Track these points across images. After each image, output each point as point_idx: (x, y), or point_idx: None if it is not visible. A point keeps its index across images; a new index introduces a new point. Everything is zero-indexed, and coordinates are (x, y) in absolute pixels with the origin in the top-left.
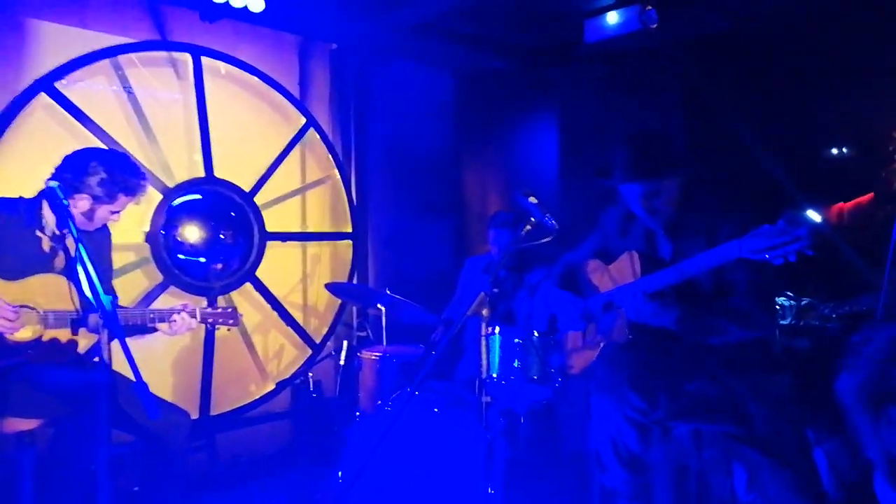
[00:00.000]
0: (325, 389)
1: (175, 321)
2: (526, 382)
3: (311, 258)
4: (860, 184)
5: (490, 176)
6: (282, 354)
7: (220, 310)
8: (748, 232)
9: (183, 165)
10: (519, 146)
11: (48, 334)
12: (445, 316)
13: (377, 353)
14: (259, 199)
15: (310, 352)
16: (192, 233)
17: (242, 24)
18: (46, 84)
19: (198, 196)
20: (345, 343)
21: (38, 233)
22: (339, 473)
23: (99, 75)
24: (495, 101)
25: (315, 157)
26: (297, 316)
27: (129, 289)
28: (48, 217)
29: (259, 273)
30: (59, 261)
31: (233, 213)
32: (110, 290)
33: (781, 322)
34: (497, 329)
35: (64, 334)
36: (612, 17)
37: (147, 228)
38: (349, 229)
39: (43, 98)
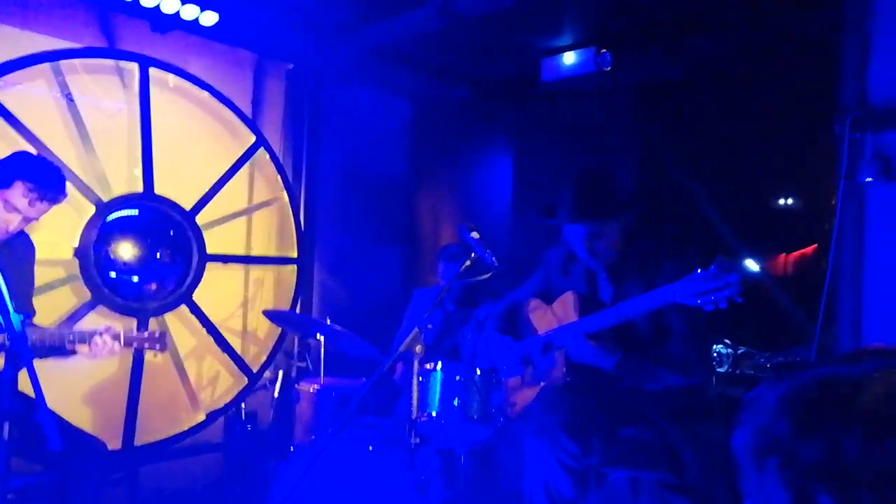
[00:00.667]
0: (260, 421)
1: (97, 344)
2: (466, 421)
3: (254, 282)
4: (804, 235)
5: (443, 205)
6: (216, 382)
7: (146, 334)
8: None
9: (122, 179)
10: (473, 177)
11: None
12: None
13: (315, 386)
14: (202, 219)
15: (246, 381)
16: (125, 250)
17: (196, 38)
18: None
19: (135, 212)
20: (280, 373)
21: None
22: None
23: (39, 79)
24: (452, 130)
25: (264, 178)
26: (235, 342)
27: (55, 306)
28: None
29: (197, 296)
30: None
31: (171, 232)
32: (28, 308)
33: (718, 370)
34: (439, 365)
35: None
36: (569, 58)
37: (76, 243)
38: (295, 254)
39: None
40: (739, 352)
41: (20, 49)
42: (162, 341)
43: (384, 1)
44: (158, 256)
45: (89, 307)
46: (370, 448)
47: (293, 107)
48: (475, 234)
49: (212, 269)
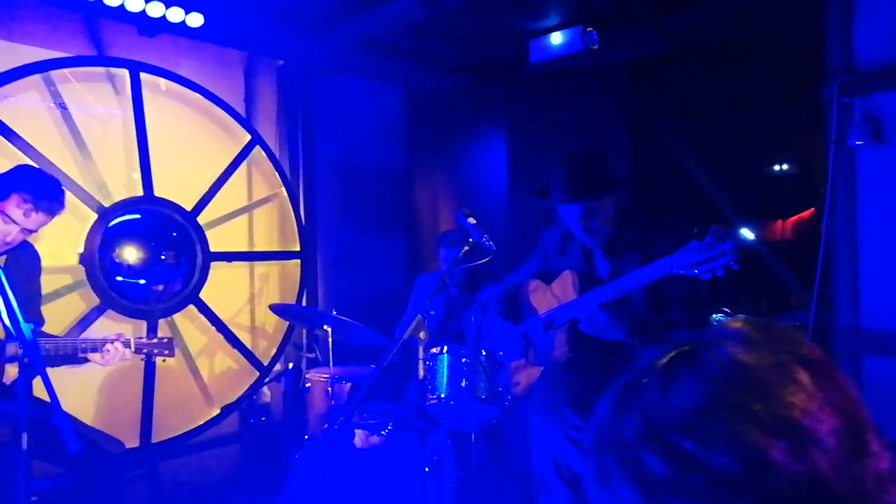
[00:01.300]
0: (274, 412)
1: (108, 351)
2: (474, 402)
3: (259, 278)
4: (799, 200)
5: (440, 192)
6: (228, 377)
7: (154, 340)
8: (679, 248)
9: (121, 184)
10: (469, 162)
11: None
12: (397, 334)
13: (325, 375)
14: (204, 218)
15: (257, 374)
16: (130, 254)
17: (185, 40)
18: None
19: (136, 216)
20: (290, 365)
21: None
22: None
23: (31, 91)
24: (445, 117)
25: (262, 175)
26: (245, 337)
27: (65, 313)
28: None
29: (204, 294)
30: None
31: (174, 233)
32: (37, 317)
33: None
34: (446, 348)
35: None
36: (556, 38)
37: (81, 250)
38: (297, 248)
39: None
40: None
41: (9, 61)
42: (170, 347)
43: None
44: (163, 258)
45: (99, 312)
46: (383, 433)
47: (286, 102)
48: (472, 220)
49: (217, 268)
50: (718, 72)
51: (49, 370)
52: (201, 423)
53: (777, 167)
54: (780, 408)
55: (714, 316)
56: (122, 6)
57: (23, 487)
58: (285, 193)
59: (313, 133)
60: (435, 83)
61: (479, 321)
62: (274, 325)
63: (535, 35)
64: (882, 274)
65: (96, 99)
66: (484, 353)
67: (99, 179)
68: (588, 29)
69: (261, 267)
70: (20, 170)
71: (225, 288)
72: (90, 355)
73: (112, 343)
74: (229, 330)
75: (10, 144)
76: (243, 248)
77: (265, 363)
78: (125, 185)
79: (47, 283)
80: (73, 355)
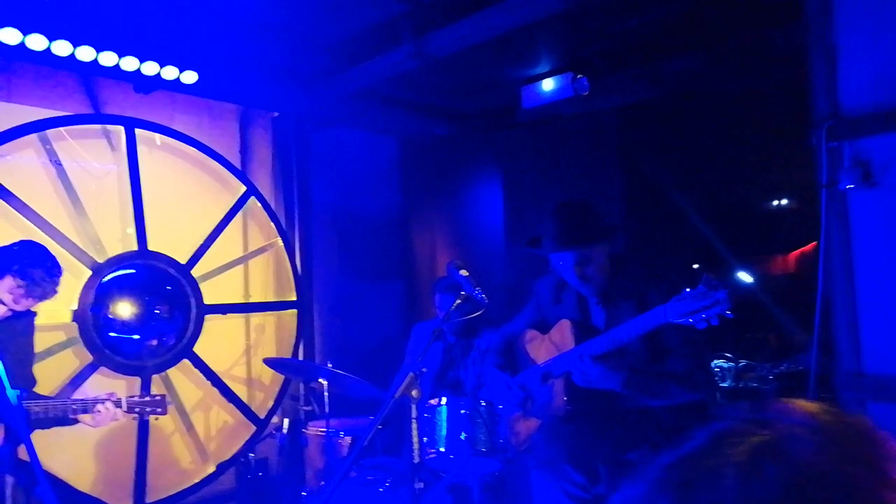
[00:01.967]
0: (271, 467)
1: (99, 412)
2: (474, 455)
3: (255, 329)
4: (795, 238)
5: (437, 239)
6: (224, 432)
7: (146, 398)
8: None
9: (116, 239)
10: (465, 208)
11: None
12: (394, 385)
13: (322, 429)
14: (200, 270)
15: (254, 429)
16: (124, 309)
17: (181, 95)
18: None
19: (131, 270)
20: (285, 420)
21: None
22: None
23: (27, 149)
24: (440, 165)
25: (258, 225)
26: (241, 390)
27: (57, 371)
28: None
29: (200, 347)
30: None
31: (168, 287)
32: (27, 378)
33: (722, 385)
34: (444, 400)
35: None
36: (548, 84)
37: (75, 307)
38: (293, 297)
39: None
40: (741, 365)
41: (7, 121)
42: (162, 404)
43: (359, 47)
44: (157, 312)
45: (91, 369)
46: (381, 489)
47: (281, 153)
48: (464, 272)
49: (212, 320)
50: (710, 114)
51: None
52: (197, 481)
53: (775, 202)
54: None
55: (715, 362)
56: (117, 66)
57: None
58: (281, 243)
59: (309, 183)
60: (428, 131)
61: (478, 370)
62: (270, 377)
63: (527, 82)
64: (882, 319)
65: (92, 155)
66: (483, 404)
67: (93, 235)
68: (578, 76)
69: (257, 318)
70: (22, 250)
71: (220, 340)
72: (81, 416)
73: (103, 403)
74: (224, 384)
75: (5, 203)
76: (239, 299)
77: (261, 416)
78: (120, 240)
79: (41, 341)
80: (64, 417)
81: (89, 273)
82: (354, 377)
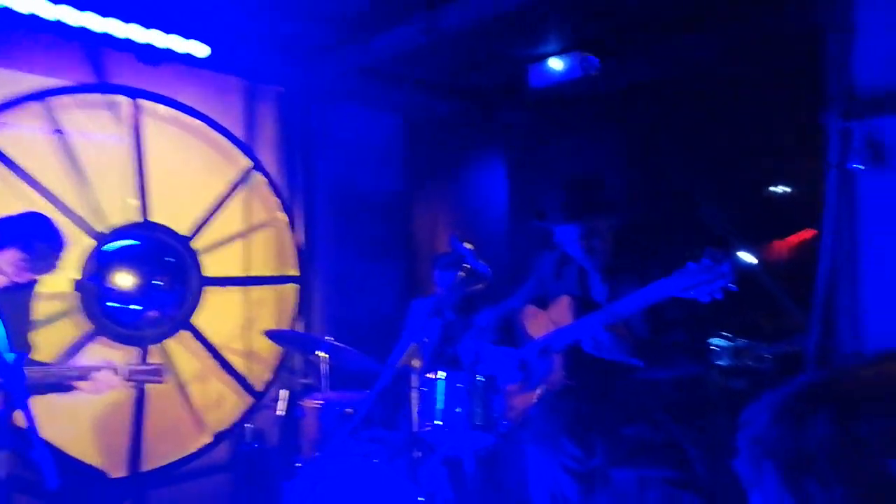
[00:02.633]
0: (267, 439)
1: (97, 379)
2: (470, 429)
3: (255, 303)
4: (798, 223)
5: (439, 217)
6: (221, 403)
7: (144, 367)
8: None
9: (118, 209)
10: (468, 186)
11: None
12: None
13: (319, 401)
14: (201, 243)
15: (251, 400)
16: (124, 279)
17: (186, 68)
18: None
19: (132, 241)
20: (282, 392)
21: None
22: None
23: (30, 118)
24: (444, 142)
25: (260, 200)
26: (239, 363)
27: (56, 339)
28: None
29: (200, 319)
30: None
31: (170, 259)
32: (23, 344)
33: (719, 363)
34: (443, 374)
35: None
36: (556, 64)
37: (76, 276)
38: (294, 272)
39: None
40: (739, 344)
41: (9, 89)
42: (160, 374)
43: (369, 21)
44: (157, 283)
45: (90, 338)
46: (375, 461)
47: (286, 128)
48: (468, 244)
49: (213, 292)
50: (718, 96)
51: (38, 397)
52: (193, 451)
53: (779, 188)
54: None
55: (714, 340)
56: (128, 38)
57: None
58: (283, 218)
59: (312, 159)
60: (434, 108)
61: (475, 345)
62: (269, 350)
63: (535, 60)
64: (885, 299)
65: (96, 125)
66: (480, 379)
67: (95, 205)
68: (587, 54)
69: (256, 292)
70: (27, 221)
71: (220, 312)
72: (79, 383)
73: (101, 371)
74: (222, 356)
75: (8, 171)
76: (239, 272)
77: (259, 389)
78: (122, 211)
79: (40, 309)
80: (61, 383)
81: (90, 243)
82: (354, 350)
